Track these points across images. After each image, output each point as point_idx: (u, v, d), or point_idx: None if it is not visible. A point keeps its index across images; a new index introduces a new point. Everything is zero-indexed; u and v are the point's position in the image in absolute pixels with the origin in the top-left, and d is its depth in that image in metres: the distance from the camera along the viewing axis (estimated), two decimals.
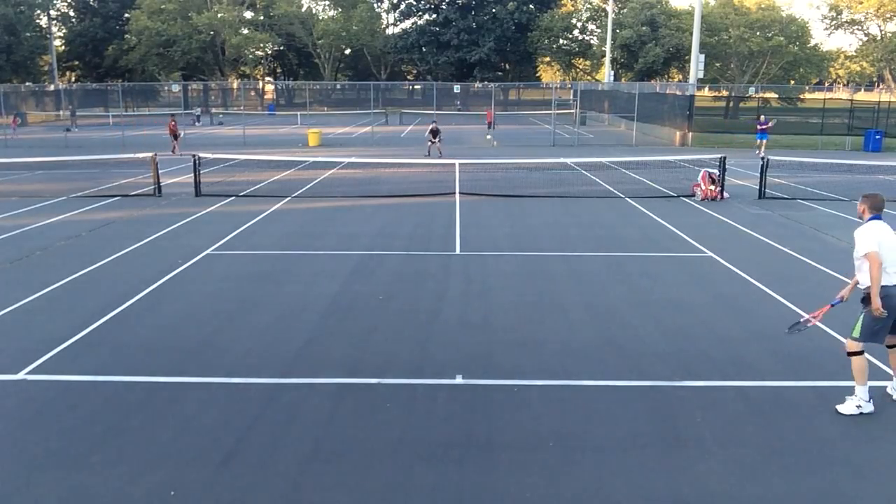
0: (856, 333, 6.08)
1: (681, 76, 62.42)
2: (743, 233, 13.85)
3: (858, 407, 6.08)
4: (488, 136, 35.88)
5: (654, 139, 37.06)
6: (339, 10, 73.63)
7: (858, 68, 72.92)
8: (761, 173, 18.28)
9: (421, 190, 18.62)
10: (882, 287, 5.92)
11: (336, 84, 77.99)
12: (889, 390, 6.46)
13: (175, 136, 29.75)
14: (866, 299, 6.01)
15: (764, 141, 29.63)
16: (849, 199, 17.99)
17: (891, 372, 6.48)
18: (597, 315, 8.79)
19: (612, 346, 7.75)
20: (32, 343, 7.69)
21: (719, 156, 18.41)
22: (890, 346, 6.31)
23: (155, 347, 7.63)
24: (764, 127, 29.74)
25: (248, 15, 73.53)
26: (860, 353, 6.09)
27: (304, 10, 73.41)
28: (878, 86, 70.84)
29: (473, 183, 19.79)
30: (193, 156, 18.63)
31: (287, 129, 44.86)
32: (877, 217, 6.24)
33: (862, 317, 6.06)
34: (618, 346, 7.75)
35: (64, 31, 74.65)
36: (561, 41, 70.37)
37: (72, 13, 74.36)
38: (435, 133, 28.78)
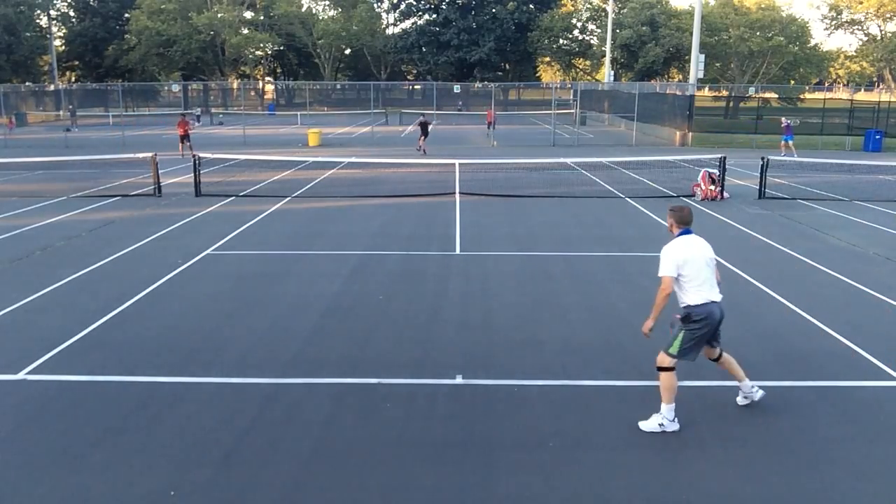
0: (673, 350, 5.78)
1: (681, 76, 62.43)
2: (743, 233, 13.85)
3: (661, 425, 5.78)
4: (489, 137, 35.89)
5: (654, 139, 37.06)
6: (339, 10, 73.68)
7: (858, 68, 72.97)
8: (761, 173, 18.28)
9: (421, 190, 18.62)
10: (697, 306, 5.70)
11: (336, 84, 77.99)
12: (738, 399, 6.27)
13: (186, 138, 28.99)
14: (687, 318, 5.75)
15: (790, 142, 29.58)
16: (849, 199, 18.00)
17: (737, 383, 6.24)
18: (597, 315, 8.79)
19: (612, 346, 7.75)
20: (32, 343, 7.69)
21: (719, 156, 18.41)
22: (714, 360, 6.15)
23: (155, 347, 7.63)
24: (787, 126, 29.84)
25: (248, 15, 73.54)
26: (671, 369, 5.79)
27: (304, 10, 73.46)
28: (878, 86, 70.84)
29: (473, 183, 19.78)
30: (193, 156, 18.63)
31: (287, 129, 44.85)
32: (686, 231, 5.96)
33: (682, 334, 5.77)
34: (618, 346, 7.75)
35: (64, 31, 74.68)
36: (561, 41, 70.40)
37: (72, 13, 74.38)
38: (424, 127, 28.86)
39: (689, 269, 5.74)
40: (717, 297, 5.82)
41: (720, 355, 6.12)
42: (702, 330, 5.74)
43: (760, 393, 6.21)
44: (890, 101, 39.62)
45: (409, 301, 9.30)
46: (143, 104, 64.76)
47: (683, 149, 33.39)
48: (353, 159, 24.62)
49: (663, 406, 5.81)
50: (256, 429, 5.86)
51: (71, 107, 48.40)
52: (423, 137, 29.44)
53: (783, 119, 31.30)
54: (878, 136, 33.00)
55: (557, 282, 10.30)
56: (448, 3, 72.46)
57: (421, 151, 28.70)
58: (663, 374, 5.82)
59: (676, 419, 5.82)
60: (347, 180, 21.35)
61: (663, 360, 5.82)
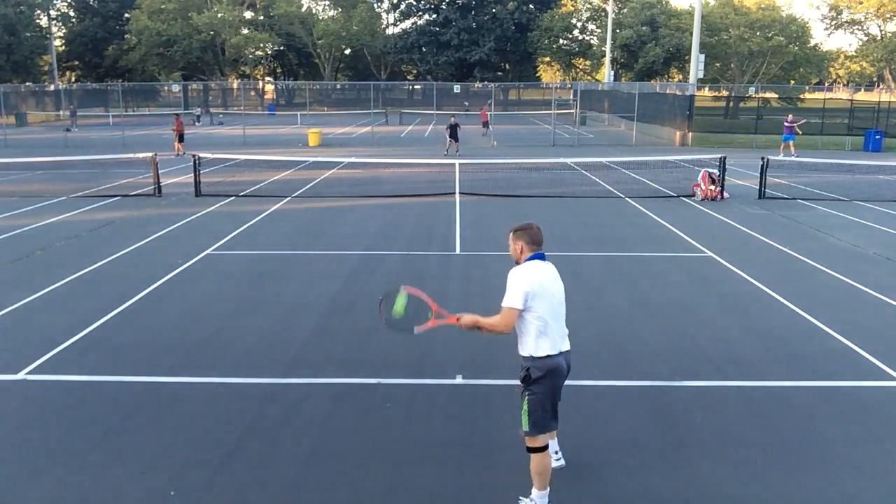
0: (525, 427, 4.59)
1: (681, 76, 62.42)
2: (743, 233, 13.85)
3: None
4: (484, 137, 35.98)
5: (654, 139, 37.06)
6: (339, 10, 73.68)
7: (858, 68, 73.05)
8: (761, 173, 18.28)
9: (421, 190, 18.62)
10: (539, 359, 4.50)
11: (336, 84, 78.03)
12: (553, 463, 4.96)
13: (180, 138, 29.29)
14: (527, 378, 4.52)
15: (791, 142, 28.76)
16: (849, 199, 18.00)
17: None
18: (597, 315, 8.79)
19: (612, 346, 7.75)
20: (32, 343, 7.69)
21: (719, 156, 18.41)
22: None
23: (155, 347, 7.63)
24: (790, 125, 28.82)
25: (248, 15, 73.58)
26: (537, 449, 4.62)
27: (304, 10, 73.43)
28: (878, 86, 70.84)
29: (473, 183, 19.78)
30: (193, 156, 18.62)
31: (287, 129, 44.85)
32: (539, 256, 4.64)
33: (525, 403, 4.56)
34: (618, 346, 7.74)
35: (64, 31, 74.69)
36: (561, 41, 70.41)
37: (72, 13, 74.39)
38: (453, 130, 28.66)
39: (540, 304, 4.45)
40: (567, 346, 4.64)
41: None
42: (545, 394, 4.55)
43: (560, 463, 5.17)
44: (890, 101, 39.61)
45: None
46: (143, 104, 64.78)
47: (683, 149, 33.38)
48: (353, 159, 24.62)
49: (534, 492, 4.72)
50: (256, 429, 5.86)
51: (71, 107, 48.39)
52: (451, 141, 28.57)
53: (789, 116, 30.15)
54: (878, 136, 32.99)
55: None
56: (448, 3, 72.47)
57: (453, 152, 28.11)
58: (532, 456, 4.67)
59: None
60: (347, 180, 21.35)
61: (528, 441, 4.67)
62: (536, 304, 4.43)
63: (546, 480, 4.70)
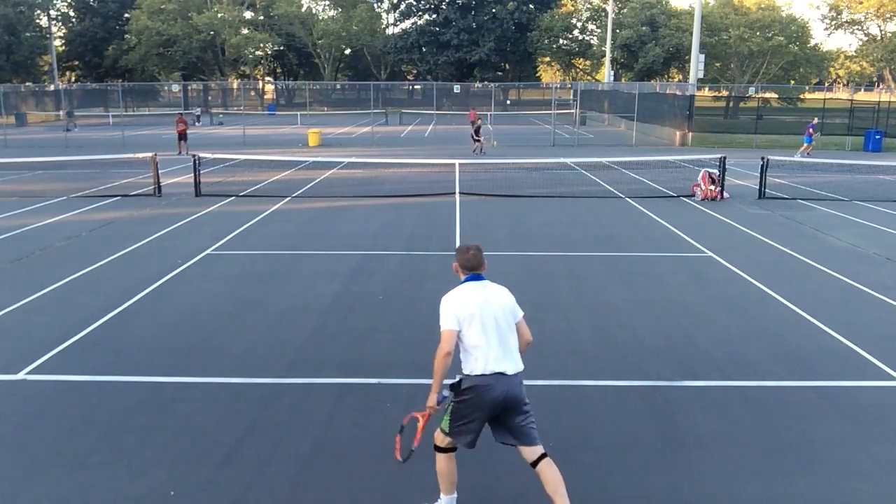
0: (444, 425, 4.59)
1: (681, 76, 62.44)
2: (743, 233, 13.85)
3: None
4: (493, 140, 36.01)
5: (654, 139, 37.07)
6: (339, 10, 73.73)
7: (858, 68, 73.05)
8: (761, 173, 18.29)
9: (421, 190, 18.62)
10: (468, 377, 4.43)
11: (336, 84, 78.07)
12: None
13: (183, 137, 29.31)
14: (455, 387, 4.49)
15: (810, 145, 29.51)
16: (849, 199, 18.00)
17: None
18: (597, 315, 8.79)
19: (612, 346, 7.75)
20: (32, 343, 7.69)
21: (719, 156, 18.42)
22: (531, 464, 4.54)
23: (155, 347, 7.63)
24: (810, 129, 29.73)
25: (248, 15, 73.61)
26: (445, 449, 4.63)
27: (304, 10, 73.49)
28: (878, 86, 70.86)
29: (473, 183, 19.79)
30: (193, 156, 18.63)
31: (287, 129, 44.86)
32: (474, 277, 4.61)
33: (450, 407, 4.56)
34: (618, 346, 7.75)
35: (64, 31, 74.74)
36: (561, 41, 70.45)
37: (72, 13, 74.45)
38: (477, 130, 29.43)
39: (471, 328, 4.41)
40: (506, 369, 4.40)
41: (539, 460, 4.50)
42: (468, 409, 4.43)
43: None
44: (890, 101, 39.63)
45: (409, 301, 9.30)
46: (143, 104, 64.83)
47: (683, 149, 33.40)
48: (353, 159, 24.62)
49: (442, 497, 4.70)
50: (256, 429, 5.86)
51: (69, 107, 48.32)
52: (481, 139, 29.61)
53: (814, 119, 31.15)
54: (878, 136, 33.00)
55: (557, 282, 10.30)
56: (448, 3, 72.50)
57: (478, 151, 28.95)
58: (437, 456, 4.66)
59: None
60: (347, 180, 21.36)
61: (437, 436, 4.67)
62: (465, 326, 4.43)
63: (452, 485, 4.68)
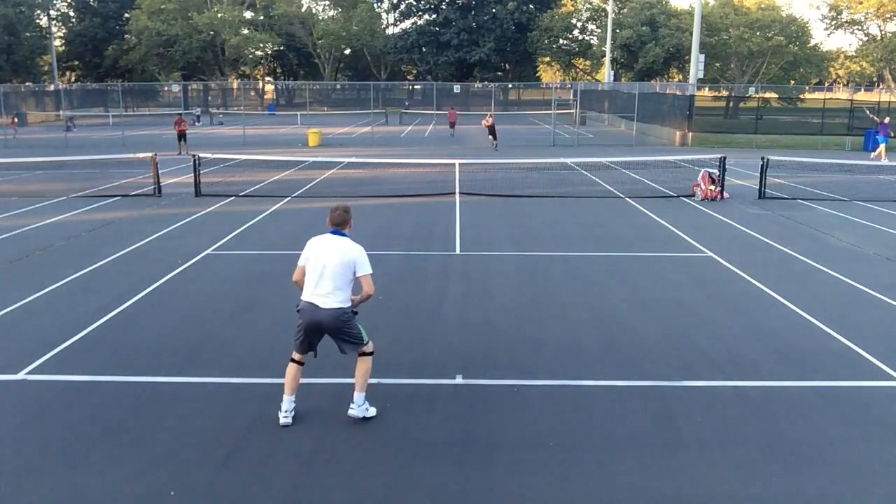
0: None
1: (681, 76, 62.43)
2: (743, 233, 13.85)
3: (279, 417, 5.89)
4: (453, 137, 36.95)
5: (654, 139, 37.06)
6: (339, 10, 73.71)
7: (858, 68, 73.10)
8: (761, 173, 18.29)
9: (421, 190, 18.62)
10: (300, 301, 5.88)
11: (336, 84, 78.05)
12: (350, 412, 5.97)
13: (183, 137, 29.34)
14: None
15: (884, 144, 27.91)
16: (849, 199, 18.00)
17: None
18: (597, 315, 8.79)
19: (612, 346, 7.75)
20: (32, 343, 7.69)
21: (719, 156, 18.42)
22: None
23: (155, 347, 7.63)
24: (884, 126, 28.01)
25: (248, 15, 73.58)
26: (295, 360, 5.98)
27: (304, 10, 73.44)
28: (878, 86, 70.88)
29: (473, 183, 19.78)
30: (193, 156, 18.63)
31: (287, 129, 44.85)
32: (333, 231, 5.90)
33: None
34: (618, 346, 7.74)
35: (64, 31, 74.71)
36: (561, 41, 70.40)
37: (72, 13, 74.41)
38: (491, 129, 30.86)
39: (309, 266, 5.82)
40: (319, 302, 5.75)
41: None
42: (298, 324, 5.88)
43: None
44: (890, 101, 39.63)
45: (409, 301, 9.30)
46: (143, 104, 64.77)
47: (683, 149, 33.39)
48: (353, 159, 24.62)
49: (284, 396, 5.94)
50: (256, 429, 5.86)
51: (69, 107, 48.28)
52: (494, 138, 31.06)
53: (886, 118, 28.97)
54: (878, 137, 32.93)
55: (557, 282, 10.30)
56: (448, 3, 72.46)
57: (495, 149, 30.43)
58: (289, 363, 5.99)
59: (289, 413, 5.87)
60: (347, 180, 21.35)
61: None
62: (307, 266, 5.85)
63: (288, 388, 5.93)
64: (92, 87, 63.30)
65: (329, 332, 5.85)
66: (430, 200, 17.39)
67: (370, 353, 6.07)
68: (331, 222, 5.91)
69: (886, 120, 29.33)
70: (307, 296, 5.80)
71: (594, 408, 6.26)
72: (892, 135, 28.75)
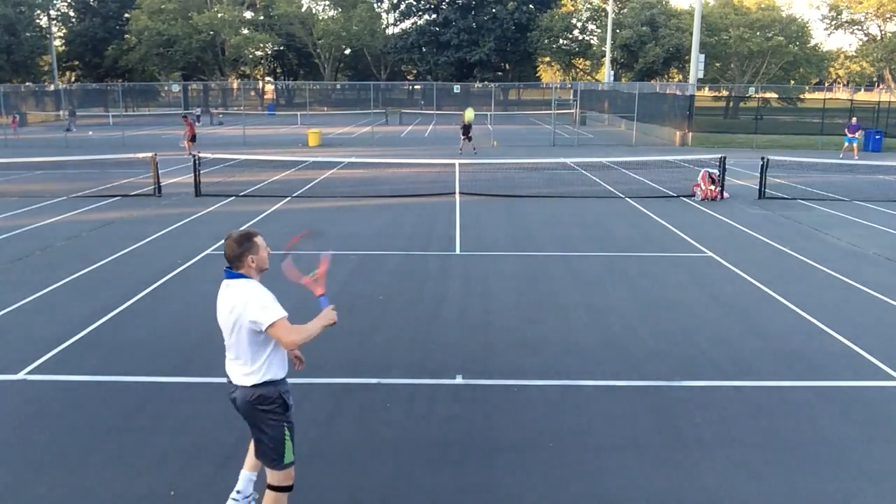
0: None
1: (681, 76, 62.43)
2: (743, 233, 13.85)
3: None
4: (493, 141, 36.04)
5: (654, 139, 37.06)
6: (339, 10, 73.68)
7: (858, 68, 73.04)
8: (761, 173, 18.28)
9: (421, 190, 18.62)
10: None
11: (336, 84, 78.03)
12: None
13: (192, 138, 29.31)
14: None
15: (854, 143, 28.65)
16: (849, 199, 18.00)
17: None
18: (597, 315, 8.79)
19: (612, 346, 7.75)
20: (32, 343, 7.69)
21: (719, 156, 18.42)
22: None
23: (155, 347, 7.63)
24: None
25: (248, 15, 73.58)
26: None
27: (304, 10, 73.43)
28: (878, 86, 70.87)
29: (473, 183, 19.78)
30: (193, 156, 18.63)
31: (287, 129, 44.84)
32: (226, 272, 4.09)
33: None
34: (618, 346, 7.74)
35: (64, 31, 74.67)
36: (561, 41, 70.41)
37: (72, 13, 74.38)
38: (466, 130, 29.04)
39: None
40: (230, 374, 4.13)
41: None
42: None
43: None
44: (890, 101, 39.63)
45: (409, 301, 9.30)
46: (143, 104, 64.78)
47: (683, 149, 33.38)
48: (353, 159, 24.61)
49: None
50: None
51: (70, 107, 48.29)
52: (464, 140, 29.11)
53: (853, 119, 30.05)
54: (878, 136, 32.97)
55: (557, 282, 10.30)
56: (448, 3, 72.51)
57: (469, 150, 28.62)
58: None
59: (239, 497, 4.55)
60: (347, 180, 21.35)
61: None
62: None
63: (248, 461, 4.53)
64: (92, 87, 63.25)
65: (242, 415, 4.17)
66: (430, 200, 17.39)
67: (283, 489, 4.15)
68: (225, 257, 4.05)
69: (854, 120, 29.83)
70: (226, 367, 4.18)
71: (594, 408, 6.26)
72: (851, 134, 29.34)
